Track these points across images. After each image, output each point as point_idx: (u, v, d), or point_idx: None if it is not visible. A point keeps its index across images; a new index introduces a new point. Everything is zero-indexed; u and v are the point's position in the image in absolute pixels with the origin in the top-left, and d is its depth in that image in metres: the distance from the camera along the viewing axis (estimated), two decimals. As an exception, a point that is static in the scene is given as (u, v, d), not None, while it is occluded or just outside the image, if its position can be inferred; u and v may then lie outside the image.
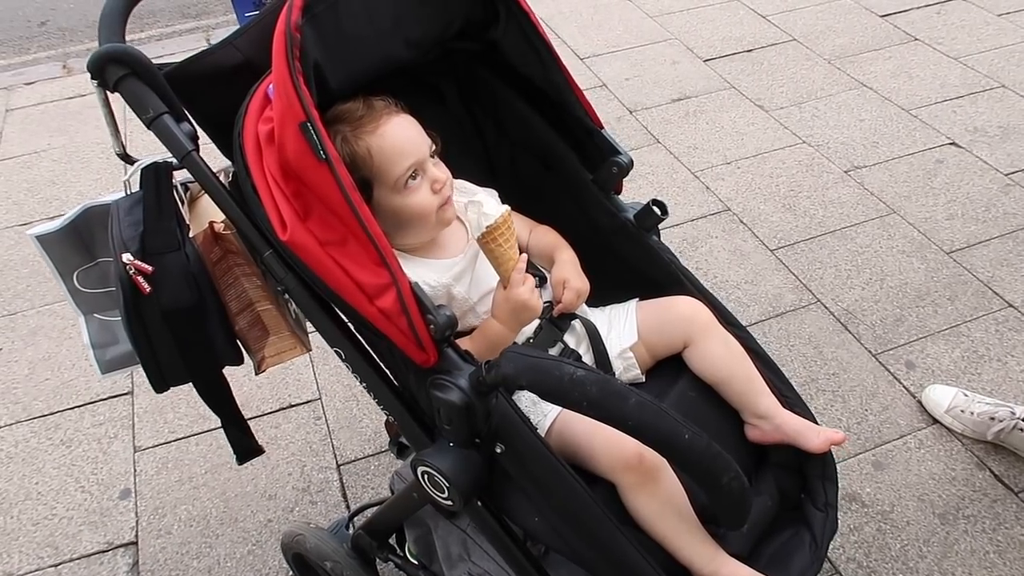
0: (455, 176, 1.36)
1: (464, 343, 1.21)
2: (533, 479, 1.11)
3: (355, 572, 1.52)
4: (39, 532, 1.94)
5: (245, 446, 1.43)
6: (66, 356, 2.36)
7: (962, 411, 1.95)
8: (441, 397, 1.07)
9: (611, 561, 1.11)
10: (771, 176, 2.86)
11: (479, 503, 1.15)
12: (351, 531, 1.64)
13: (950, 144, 2.93)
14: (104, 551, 1.90)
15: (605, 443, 1.13)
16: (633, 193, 2.84)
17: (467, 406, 1.06)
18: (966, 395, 1.97)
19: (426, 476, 1.14)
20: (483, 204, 1.12)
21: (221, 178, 1.17)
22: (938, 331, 2.25)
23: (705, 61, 3.51)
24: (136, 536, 1.92)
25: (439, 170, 1.21)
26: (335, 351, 1.15)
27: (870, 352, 2.21)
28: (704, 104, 3.24)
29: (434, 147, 1.22)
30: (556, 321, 1.28)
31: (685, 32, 3.73)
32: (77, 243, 1.28)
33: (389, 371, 1.18)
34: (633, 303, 1.36)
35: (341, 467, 2.05)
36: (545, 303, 1.28)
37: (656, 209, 1.32)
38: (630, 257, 1.36)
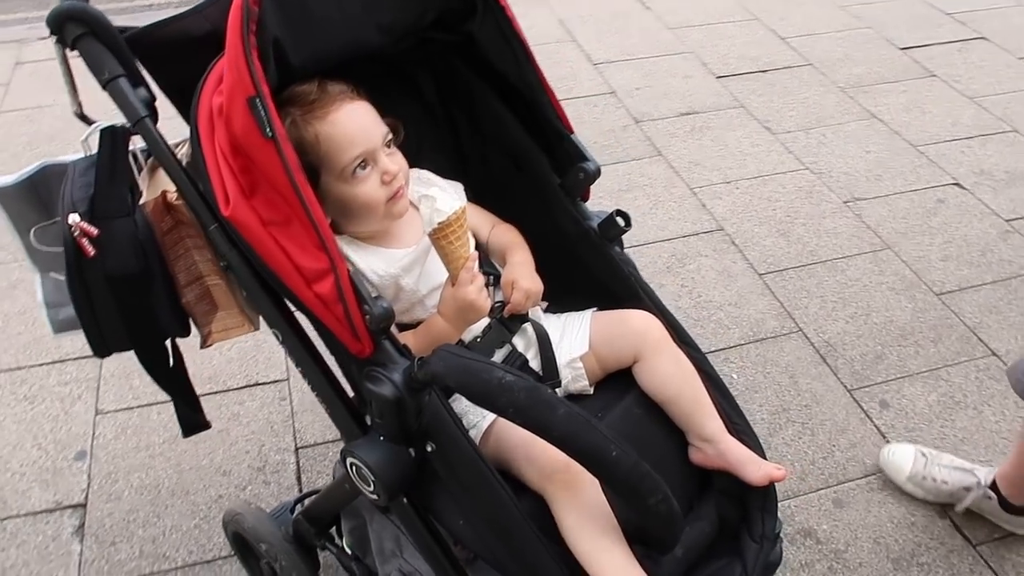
0: (423, 166, 1.34)
1: (408, 337, 1.19)
2: (459, 481, 1.09)
3: (288, 557, 1.50)
4: (-10, 486, 1.94)
5: (191, 420, 1.42)
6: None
7: (923, 478, 1.84)
8: (373, 390, 1.05)
9: (531, 573, 1.09)
10: (769, 200, 2.82)
11: (405, 500, 1.13)
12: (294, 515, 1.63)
13: (954, 184, 2.89)
14: (52, 510, 1.89)
15: (538, 454, 1.11)
16: (628, 204, 2.83)
17: (398, 401, 1.04)
18: (924, 455, 1.88)
19: (354, 468, 1.12)
20: (436, 199, 1.10)
21: (184, 148, 1.16)
22: (917, 372, 2.21)
23: (718, 78, 3.48)
24: (86, 499, 1.92)
25: (391, 161, 1.19)
26: (273, 331, 1.13)
27: (845, 387, 2.17)
28: (711, 121, 3.21)
29: (390, 136, 1.20)
30: (506, 322, 1.26)
31: (701, 47, 3.69)
32: (34, 200, 1.28)
33: (336, 357, 1.17)
34: (589, 313, 1.33)
35: (299, 450, 2.04)
36: (497, 303, 1.26)
37: (620, 220, 1.30)
38: (591, 266, 1.34)
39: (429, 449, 1.09)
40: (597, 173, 1.30)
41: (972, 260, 2.56)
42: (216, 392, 2.17)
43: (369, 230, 1.23)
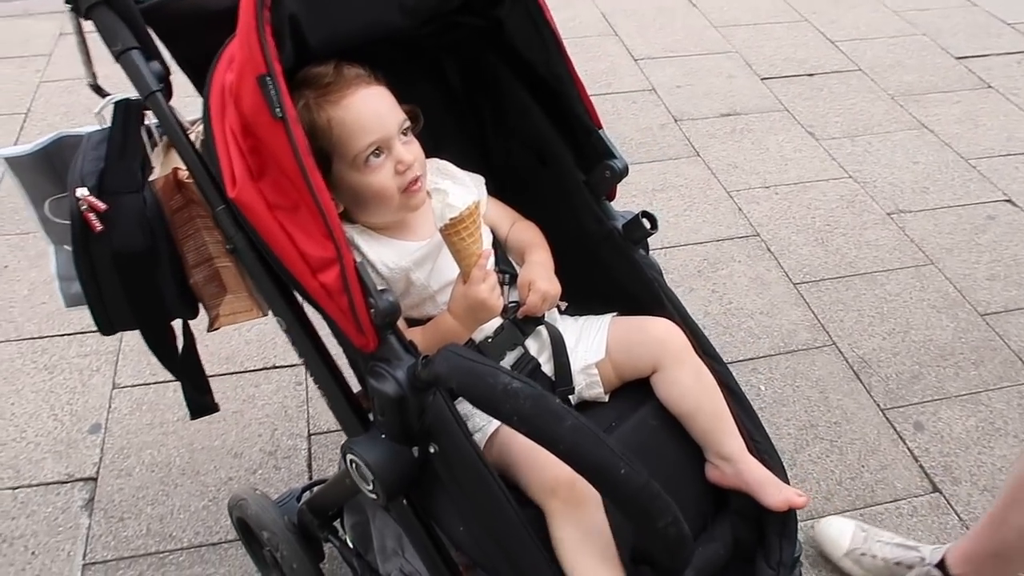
0: (443, 156, 1.29)
1: (416, 334, 1.14)
2: (460, 485, 1.05)
3: (289, 546, 1.47)
4: (4, 453, 1.95)
5: (199, 402, 1.40)
6: (66, 284, 2.37)
7: (862, 554, 1.65)
8: (375, 386, 1.01)
9: (530, 586, 1.04)
10: (808, 207, 2.73)
11: (405, 501, 1.09)
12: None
13: (1005, 201, 2.76)
14: (64, 482, 1.89)
15: (542, 465, 1.06)
16: (662, 204, 2.76)
17: (400, 400, 1.00)
18: (864, 530, 1.70)
19: (354, 464, 1.08)
20: (448, 193, 1.05)
21: (199, 126, 1.12)
22: (955, 395, 2.12)
23: (762, 79, 3.38)
24: (97, 472, 1.91)
25: (407, 150, 1.14)
26: (276, 319, 1.10)
27: (878, 406, 2.09)
28: (753, 123, 3.12)
29: (407, 124, 1.15)
30: (520, 323, 1.21)
31: (747, 47, 3.59)
32: (49, 171, 1.25)
33: (343, 348, 1.13)
34: (608, 318, 1.28)
35: (312, 436, 2.01)
36: (512, 303, 1.21)
37: (645, 222, 1.24)
38: (613, 268, 1.28)
39: (432, 450, 1.05)
40: (624, 171, 1.24)
41: (1021, 281, 2.45)
42: (232, 373, 2.16)
43: (381, 221, 1.18)
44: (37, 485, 1.88)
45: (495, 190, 1.33)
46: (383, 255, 1.15)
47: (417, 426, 1.03)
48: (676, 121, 3.13)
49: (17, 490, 1.87)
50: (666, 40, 3.63)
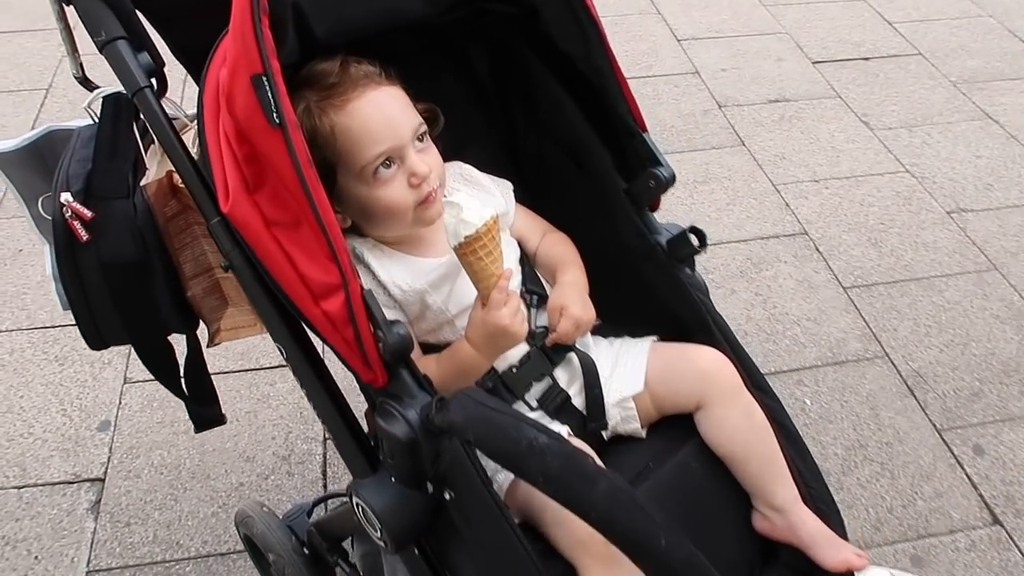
0: (467, 158, 1.16)
1: (430, 362, 1.03)
2: (478, 538, 0.93)
3: (296, 570, 1.38)
4: (11, 449, 1.88)
5: (201, 416, 1.31)
6: (81, 270, 2.29)
7: None
8: (384, 427, 0.90)
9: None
10: (861, 203, 2.56)
11: (416, 550, 0.98)
12: (311, 519, 1.51)
13: (1078, 201, 2.56)
14: (70, 482, 1.82)
15: (572, 515, 0.93)
16: (703, 197, 2.60)
17: (412, 444, 0.89)
18: None
19: (360, 509, 0.97)
20: (462, 207, 0.92)
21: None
22: (1020, 416, 1.95)
23: (814, 63, 3.18)
24: (105, 473, 1.84)
25: (422, 160, 1.02)
26: (277, 346, 0.99)
27: (934, 426, 1.93)
28: (803, 110, 2.94)
29: (423, 128, 1.03)
30: (548, 351, 1.08)
31: (798, 27, 3.39)
32: (40, 167, 1.15)
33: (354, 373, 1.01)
34: (647, 343, 1.15)
35: (328, 441, 1.92)
36: (540, 328, 1.09)
37: (693, 238, 1.10)
38: (655, 288, 1.15)
39: (448, 497, 0.94)
40: (671, 181, 1.10)
41: (1094, 290, 2.26)
42: (247, 370, 2.07)
43: (393, 235, 1.06)
44: (43, 485, 1.81)
45: (524, 196, 1.19)
46: (396, 275, 1.03)
47: (431, 472, 0.91)
48: (720, 107, 2.96)
49: (23, 489, 1.80)
50: (711, 19, 3.44)
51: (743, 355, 1.12)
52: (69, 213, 0.97)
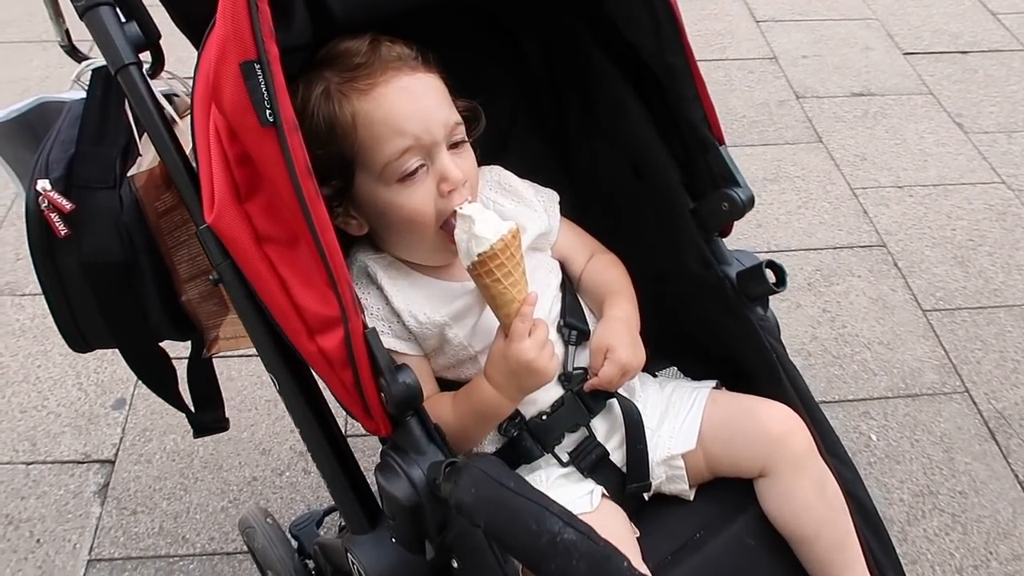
0: (510, 160, 1.01)
1: (445, 403, 0.88)
2: (487, 620, 0.79)
3: (296, 595, 1.27)
4: (24, 421, 1.81)
5: (201, 420, 1.19)
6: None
7: None
8: (384, 485, 0.76)
9: None
10: (949, 216, 2.32)
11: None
12: (320, 530, 1.40)
13: None
14: (80, 462, 1.74)
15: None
16: (772, 197, 2.39)
17: (415, 508, 0.75)
18: None
19: (355, 567, 0.84)
20: (474, 221, 0.77)
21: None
22: (1119, 474, 1.73)
23: (905, 54, 2.92)
24: (115, 455, 1.76)
25: (456, 165, 0.86)
26: (270, 375, 0.85)
27: (1016, 477, 1.73)
28: (890, 106, 2.69)
29: (460, 128, 0.88)
30: (585, 397, 0.93)
31: (890, 14, 3.12)
32: (32, 142, 1.02)
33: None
34: (705, 391, 0.99)
35: (350, 439, 1.80)
36: (577, 370, 0.93)
37: (770, 274, 0.92)
38: (718, 327, 0.98)
39: (455, 565, 0.80)
40: (748, 205, 0.93)
41: None
42: (271, 355, 1.96)
43: (411, 256, 0.91)
44: (52, 463, 1.74)
45: (572, 209, 1.03)
46: (413, 303, 0.88)
47: (436, 540, 0.77)
48: (798, 98, 2.73)
49: (31, 466, 1.73)
50: (795, 0, 3.18)
51: (817, 414, 0.96)
52: (46, 204, 0.85)
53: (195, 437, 1.24)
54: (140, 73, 0.79)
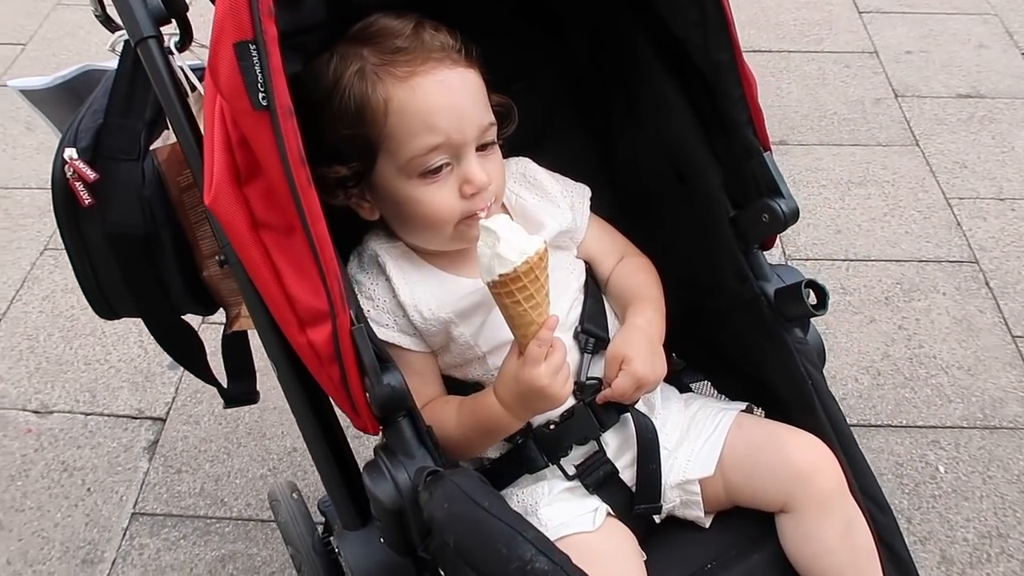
0: (545, 154, 0.96)
1: (449, 410, 0.85)
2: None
3: (314, 573, 1.27)
4: (87, 374, 1.89)
5: (227, 393, 1.21)
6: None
7: None
8: (369, 485, 0.74)
9: None
10: (1054, 234, 2.13)
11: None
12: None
13: None
14: (134, 417, 1.81)
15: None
16: (856, 202, 2.25)
17: (398, 512, 0.72)
18: None
19: (343, 562, 0.83)
20: (499, 237, 0.72)
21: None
22: None
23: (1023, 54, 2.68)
24: (167, 414, 1.81)
25: (482, 167, 0.83)
26: (271, 362, 0.84)
27: (1101, 529, 1.57)
28: (1000, 111, 2.48)
29: (492, 129, 0.84)
30: (597, 409, 0.87)
31: (1010, 9, 2.87)
32: (77, 106, 1.04)
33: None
34: (732, 413, 0.92)
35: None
36: (591, 380, 0.88)
37: (810, 295, 0.85)
38: (751, 347, 0.91)
39: (443, 574, 0.77)
40: (792, 218, 0.86)
41: None
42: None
43: (425, 245, 0.88)
44: (108, 415, 1.81)
45: (608, 207, 0.98)
46: (420, 298, 0.85)
47: (421, 547, 0.75)
48: (897, 96, 2.55)
49: (89, 416, 1.81)
50: (905, -11, 2.97)
51: (853, 450, 0.88)
52: (71, 172, 0.85)
53: (225, 408, 1.25)
54: (159, 47, 0.78)
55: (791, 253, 2.06)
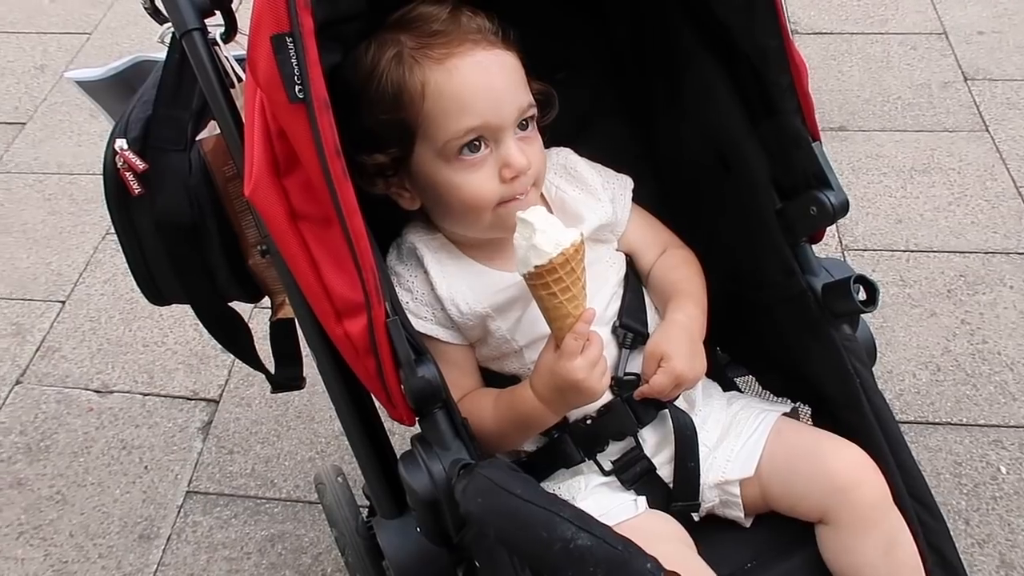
0: (586, 143, 0.94)
1: (486, 403, 0.85)
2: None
3: (356, 555, 1.29)
4: (145, 355, 1.94)
5: (273, 378, 1.23)
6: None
7: None
8: (404, 476, 0.74)
9: None
10: None
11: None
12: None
13: None
14: (189, 399, 1.86)
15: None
16: (919, 190, 2.16)
17: (433, 503, 0.72)
18: None
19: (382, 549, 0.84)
20: (535, 229, 0.71)
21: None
22: None
23: (1107, 34, 2.53)
24: (220, 396, 1.86)
25: (522, 151, 0.82)
26: (312, 351, 0.85)
27: None
28: (1078, 95, 2.35)
29: (531, 112, 0.83)
30: (636, 405, 0.86)
31: (1094, -14, 2.71)
32: (130, 96, 1.07)
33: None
34: (774, 415, 0.89)
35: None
36: (629, 375, 0.87)
37: (859, 291, 0.82)
38: (797, 343, 0.89)
39: (478, 564, 0.77)
40: (841, 211, 0.82)
41: None
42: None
43: (464, 234, 0.88)
44: (165, 396, 1.86)
45: (651, 197, 0.96)
46: (457, 290, 0.85)
47: (456, 538, 0.75)
48: (966, 80, 2.44)
49: (147, 397, 1.87)
50: (978, -32, 2.83)
51: (902, 453, 0.85)
52: (121, 162, 0.88)
53: (272, 392, 1.27)
54: (203, 39, 0.79)
55: (848, 243, 2.00)
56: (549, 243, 0.71)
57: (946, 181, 2.16)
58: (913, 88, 2.43)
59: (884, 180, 2.16)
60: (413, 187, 0.86)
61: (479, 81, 0.80)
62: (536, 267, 0.72)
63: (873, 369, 0.92)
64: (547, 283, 0.73)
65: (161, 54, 1.02)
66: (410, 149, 0.82)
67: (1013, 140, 2.25)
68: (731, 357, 1.00)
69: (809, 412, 0.96)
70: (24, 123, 2.53)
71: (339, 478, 1.42)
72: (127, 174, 0.88)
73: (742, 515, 0.88)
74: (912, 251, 1.99)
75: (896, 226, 2.06)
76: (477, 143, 0.81)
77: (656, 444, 0.88)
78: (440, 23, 0.81)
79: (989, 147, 2.24)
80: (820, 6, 2.73)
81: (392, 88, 0.80)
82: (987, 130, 2.28)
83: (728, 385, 1.00)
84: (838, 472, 0.83)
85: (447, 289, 0.86)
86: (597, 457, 0.87)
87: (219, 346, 1.96)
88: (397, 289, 0.85)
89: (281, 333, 1.20)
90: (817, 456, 0.85)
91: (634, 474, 0.86)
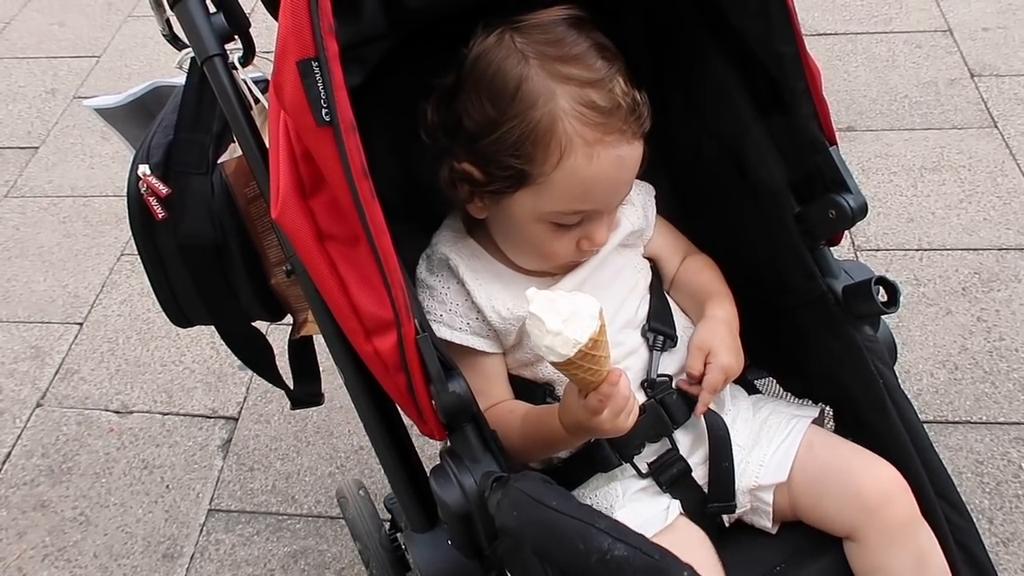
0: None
1: (514, 418, 0.85)
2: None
3: (382, 568, 1.29)
4: (163, 375, 1.96)
5: (293, 395, 1.24)
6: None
7: None
8: (436, 490, 0.75)
9: None
10: None
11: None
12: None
13: None
14: (208, 417, 1.87)
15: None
16: (930, 189, 2.16)
17: (465, 517, 0.73)
18: None
19: (413, 563, 0.84)
20: (545, 325, 0.69)
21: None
22: None
23: (1113, 27, 2.53)
24: (239, 413, 1.87)
25: (604, 229, 0.85)
26: (338, 369, 0.86)
27: None
28: (1085, 88, 2.35)
29: (626, 196, 0.87)
30: (669, 406, 0.87)
31: (1098, -21, 2.71)
32: (148, 121, 1.08)
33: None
34: (804, 423, 0.90)
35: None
36: (662, 377, 0.87)
37: (880, 293, 0.82)
38: (818, 345, 0.89)
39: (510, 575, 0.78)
40: (860, 214, 0.83)
41: None
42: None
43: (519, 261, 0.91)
44: (184, 415, 1.87)
45: (667, 206, 0.97)
46: (495, 296, 0.87)
47: (488, 550, 0.75)
48: (973, 76, 2.44)
49: (167, 416, 1.88)
50: (981, -36, 2.84)
51: (928, 453, 0.85)
52: (144, 188, 0.89)
53: (291, 409, 1.28)
54: (224, 64, 0.80)
55: (860, 244, 2.00)
56: (566, 345, 0.69)
57: (956, 179, 2.16)
58: (920, 86, 2.43)
59: (894, 179, 2.16)
60: (491, 209, 0.86)
61: (611, 176, 0.82)
62: (552, 363, 0.72)
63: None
64: (567, 369, 0.72)
65: (177, 79, 1.04)
66: (513, 190, 0.83)
67: (1022, 136, 2.24)
68: (752, 360, 1.00)
69: (831, 415, 0.96)
70: (37, 147, 2.56)
71: (361, 492, 1.42)
72: (151, 199, 0.89)
73: (769, 524, 0.88)
74: (925, 250, 1.99)
75: (908, 225, 2.06)
76: (575, 219, 0.84)
77: (690, 444, 0.89)
78: (600, 94, 0.79)
79: (999, 143, 2.24)
80: (824, 7, 2.74)
81: (532, 141, 0.79)
82: (996, 126, 2.28)
83: (750, 388, 1.01)
84: (869, 491, 0.83)
85: (485, 297, 0.87)
86: (634, 459, 0.87)
87: (237, 364, 1.98)
88: (431, 301, 0.86)
89: (299, 351, 1.21)
90: (847, 473, 0.85)
91: (671, 476, 0.87)
